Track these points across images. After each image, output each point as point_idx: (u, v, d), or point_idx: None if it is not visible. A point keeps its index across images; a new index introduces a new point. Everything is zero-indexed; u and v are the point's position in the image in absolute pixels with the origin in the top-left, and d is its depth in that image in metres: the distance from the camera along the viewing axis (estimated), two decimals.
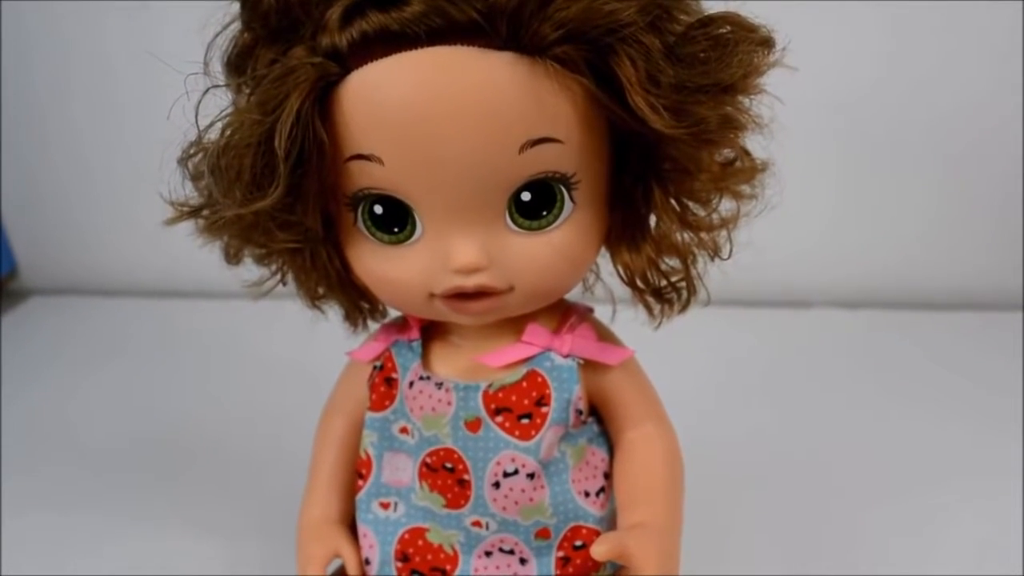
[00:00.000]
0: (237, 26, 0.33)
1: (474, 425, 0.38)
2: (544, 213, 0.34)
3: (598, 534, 0.40)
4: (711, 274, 0.38)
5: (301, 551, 0.43)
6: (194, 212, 0.36)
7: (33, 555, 0.59)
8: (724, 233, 0.37)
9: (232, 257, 0.39)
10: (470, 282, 0.34)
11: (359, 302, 0.42)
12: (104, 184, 1.02)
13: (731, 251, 0.37)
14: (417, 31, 0.29)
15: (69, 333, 0.97)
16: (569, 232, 0.34)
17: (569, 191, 0.34)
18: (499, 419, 0.38)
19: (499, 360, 0.38)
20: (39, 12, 0.93)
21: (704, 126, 0.31)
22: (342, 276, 0.38)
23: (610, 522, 0.41)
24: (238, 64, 0.33)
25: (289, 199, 0.32)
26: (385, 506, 0.42)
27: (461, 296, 0.34)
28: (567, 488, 0.39)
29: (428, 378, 0.39)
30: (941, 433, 0.69)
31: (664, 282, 0.38)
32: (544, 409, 0.38)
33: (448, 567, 0.41)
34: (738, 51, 0.31)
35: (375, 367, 0.41)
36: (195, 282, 0.98)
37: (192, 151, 0.34)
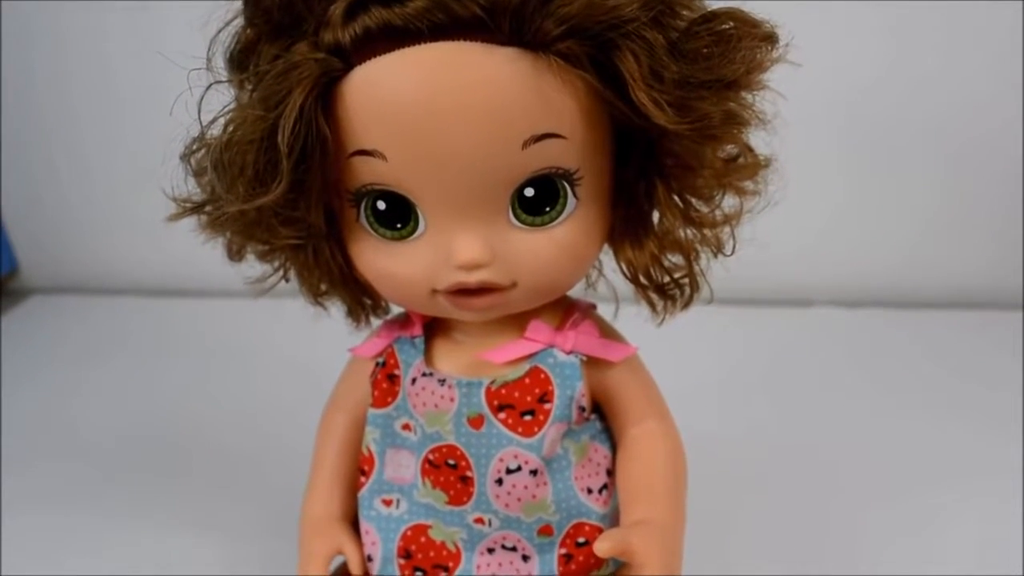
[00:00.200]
0: (240, 22, 0.33)
1: (477, 422, 0.38)
2: (547, 209, 0.34)
3: (601, 531, 0.40)
4: (713, 272, 0.38)
5: (303, 548, 0.42)
6: (197, 208, 0.36)
7: (33, 553, 0.59)
8: (727, 229, 0.37)
9: (234, 254, 0.39)
10: (473, 278, 0.34)
11: (361, 298, 0.42)
12: (105, 184, 1.02)
13: (734, 247, 0.37)
14: (420, 27, 0.29)
15: (70, 332, 0.97)
16: (572, 228, 0.34)
17: (572, 187, 0.33)
18: (502, 416, 0.38)
19: (502, 356, 0.38)
20: (40, 10, 0.93)
21: (707, 122, 0.31)
22: (345, 272, 0.38)
23: (613, 519, 0.41)
24: (241, 60, 0.33)
25: (292, 195, 0.32)
26: (387, 503, 0.42)
27: (464, 292, 0.34)
28: (570, 485, 0.39)
29: (431, 374, 0.39)
30: (941, 432, 0.69)
31: (667, 278, 0.38)
32: (547, 406, 0.38)
33: (450, 564, 0.41)
34: (741, 47, 0.31)
35: (377, 363, 0.41)
36: (195, 281, 0.98)
37: (195, 147, 0.34)
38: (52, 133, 1.00)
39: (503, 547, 0.40)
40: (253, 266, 0.40)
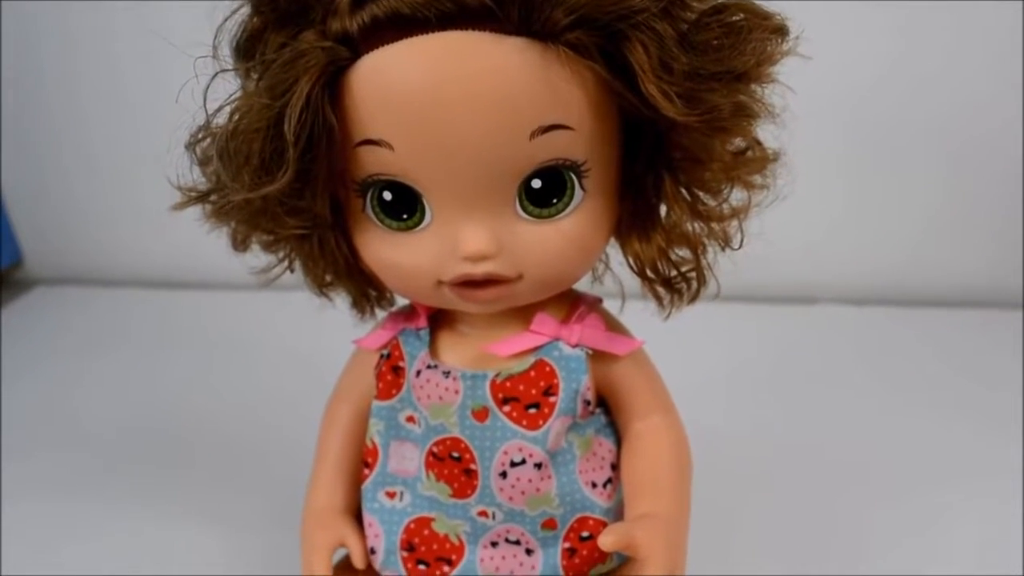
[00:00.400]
0: (246, 10, 0.33)
1: (481, 414, 0.38)
2: (554, 201, 0.33)
3: (605, 525, 0.40)
4: (719, 268, 0.38)
5: (306, 540, 0.42)
6: (202, 197, 0.36)
7: (35, 544, 0.59)
8: (735, 223, 0.37)
9: (239, 244, 0.39)
10: (479, 269, 0.33)
11: (367, 290, 0.41)
12: (109, 175, 1.02)
13: (742, 241, 0.37)
14: (428, 15, 0.29)
15: (73, 323, 0.97)
16: (579, 220, 0.34)
17: (580, 179, 0.33)
18: (507, 408, 0.38)
19: (507, 349, 0.38)
20: (44, 4, 0.93)
21: (716, 114, 0.31)
22: (350, 263, 0.38)
23: (617, 513, 0.41)
24: (247, 48, 0.33)
25: (298, 184, 0.31)
26: (391, 495, 0.42)
27: (470, 284, 0.34)
28: (574, 479, 0.39)
29: (435, 367, 0.39)
30: (944, 430, 0.69)
31: (674, 272, 0.37)
32: (552, 399, 0.38)
33: (454, 557, 0.40)
34: (751, 39, 0.31)
35: (382, 355, 0.41)
36: (199, 273, 0.98)
37: (200, 136, 0.34)
38: (56, 124, 1.00)
39: (507, 540, 0.40)
40: (258, 256, 0.40)
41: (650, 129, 0.33)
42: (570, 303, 0.40)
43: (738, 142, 0.35)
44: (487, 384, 0.38)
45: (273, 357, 0.82)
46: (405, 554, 0.41)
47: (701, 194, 0.36)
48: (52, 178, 1.03)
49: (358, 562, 0.42)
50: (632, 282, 0.39)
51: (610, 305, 0.42)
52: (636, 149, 0.35)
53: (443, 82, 0.30)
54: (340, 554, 0.43)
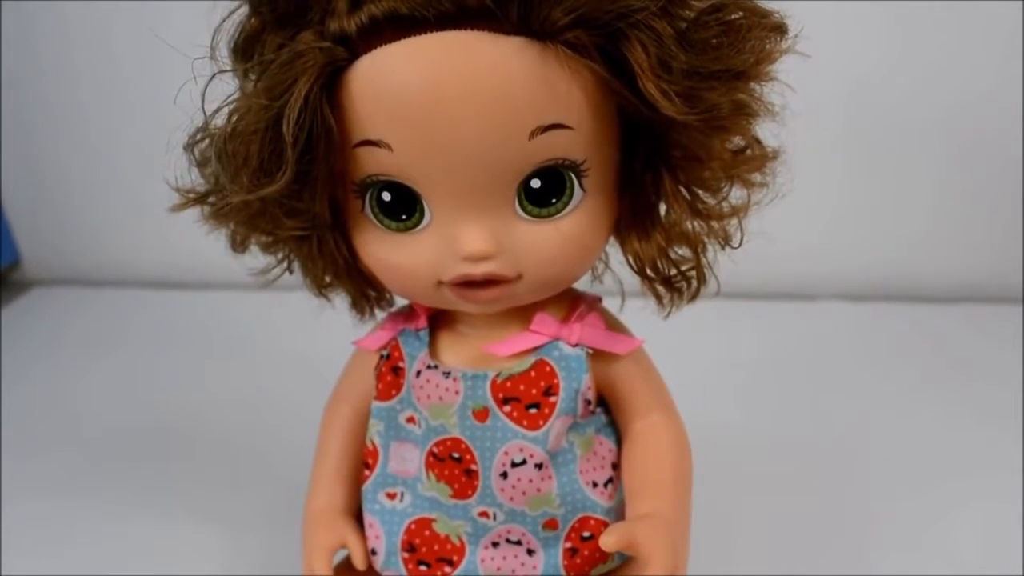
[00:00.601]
0: (244, 11, 0.33)
1: (482, 415, 0.38)
2: (553, 200, 0.33)
3: (606, 525, 0.40)
4: (719, 265, 0.38)
5: (306, 541, 0.42)
6: (200, 198, 0.36)
7: (35, 543, 0.59)
8: (734, 222, 0.37)
9: (238, 245, 0.39)
10: (478, 270, 0.33)
11: (366, 290, 0.41)
12: (107, 176, 1.02)
13: (741, 240, 0.37)
14: (426, 15, 0.29)
15: (71, 324, 0.97)
16: (579, 219, 0.34)
17: (579, 178, 0.33)
18: (507, 408, 0.38)
19: (507, 349, 0.38)
20: (43, 5, 0.92)
21: (716, 113, 0.31)
22: (349, 264, 0.38)
23: (618, 513, 0.41)
24: (245, 49, 0.33)
25: (296, 185, 0.31)
26: (391, 496, 0.42)
27: (469, 284, 0.34)
28: (575, 478, 0.39)
29: (435, 367, 0.39)
30: (945, 426, 0.69)
31: (674, 271, 0.37)
32: (552, 399, 0.38)
33: (455, 558, 0.40)
34: (750, 37, 0.31)
35: (382, 356, 0.41)
36: (198, 273, 0.98)
37: (198, 137, 0.34)
38: (55, 125, 1.00)
39: (508, 541, 0.40)
40: (257, 257, 0.40)
41: (649, 128, 0.33)
42: (570, 302, 0.40)
43: (737, 140, 0.34)
44: (487, 384, 0.38)
45: (272, 358, 0.82)
46: (406, 555, 0.41)
47: (701, 192, 0.36)
48: (50, 179, 1.03)
49: (359, 563, 0.42)
50: (632, 281, 0.39)
51: (610, 304, 0.42)
52: (635, 148, 0.35)
53: (442, 82, 0.30)
54: (341, 555, 0.43)
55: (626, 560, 0.41)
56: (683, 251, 0.37)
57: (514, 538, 0.40)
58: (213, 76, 0.33)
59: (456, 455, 0.39)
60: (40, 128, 1.00)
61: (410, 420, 0.40)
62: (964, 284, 0.94)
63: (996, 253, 0.93)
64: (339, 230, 0.37)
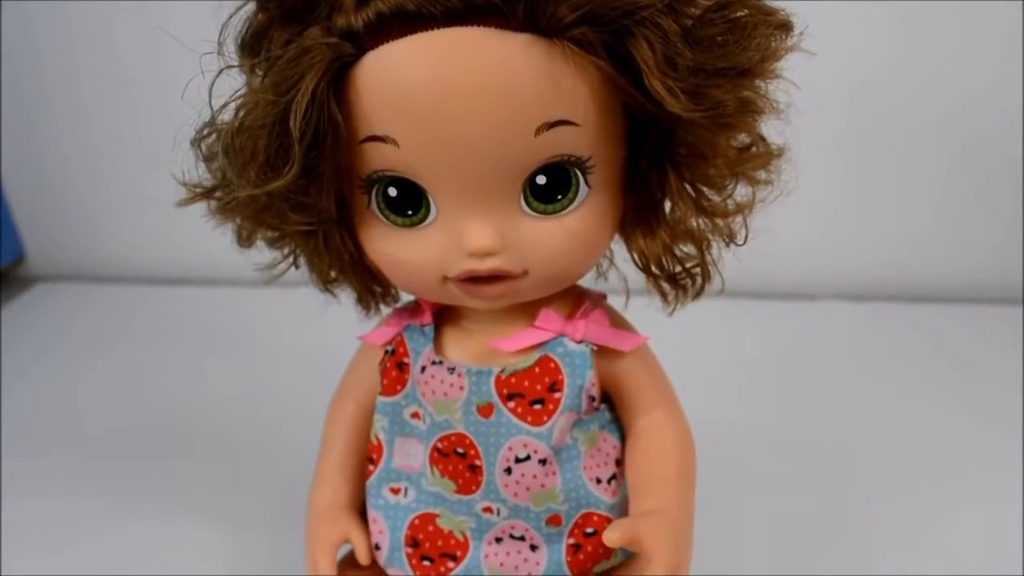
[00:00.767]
0: (252, 7, 0.33)
1: (486, 410, 0.38)
2: (559, 197, 0.33)
3: (609, 521, 0.40)
4: (724, 265, 0.38)
5: (311, 536, 0.42)
6: (207, 193, 0.36)
7: (36, 540, 0.59)
8: (739, 219, 0.37)
9: (244, 240, 0.39)
10: (484, 265, 0.34)
11: (372, 286, 0.41)
12: (111, 172, 1.02)
13: (746, 237, 0.37)
14: (433, 11, 0.29)
15: (75, 320, 0.97)
16: (584, 216, 0.34)
17: (584, 175, 0.33)
18: (511, 404, 0.38)
19: (512, 345, 0.38)
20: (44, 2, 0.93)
21: (721, 110, 0.31)
22: (355, 259, 0.38)
23: (621, 509, 0.41)
24: (252, 45, 0.33)
25: (303, 181, 0.32)
26: (395, 491, 0.42)
27: (475, 280, 0.34)
28: (579, 475, 0.39)
29: (440, 363, 0.39)
30: (945, 426, 0.69)
31: (679, 268, 0.37)
32: (557, 395, 0.38)
33: (458, 553, 0.40)
34: (756, 34, 0.31)
35: (387, 351, 0.41)
36: (201, 269, 0.98)
37: (205, 132, 0.34)
38: (58, 120, 1.00)
39: (511, 536, 0.40)
40: (263, 253, 0.40)
41: (655, 125, 0.33)
42: (575, 299, 0.40)
43: (742, 138, 0.35)
44: (492, 380, 0.38)
45: (277, 353, 0.82)
46: (409, 550, 0.41)
47: (705, 190, 0.36)
48: (53, 175, 1.03)
49: (363, 558, 0.42)
50: (637, 278, 0.39)
51: (614, 301, 0.42)
52: (640, 145, 0.35)
53: (448, 78, 0.30)
54: (344, 550, 0.43)
55: (629, 556, 0.41)
56: (688, 248, 0.37)
57: (517, 534, 0.40)
58: (220, 71, 0.33)
59: (460, 451, 0.39)
60: (43, 124, 1.00)
61: (415, 416, 0.40)
62: (965, 284, 0.94)
63: (997, 253, 0.93)
64: (345, 225, 0.37)
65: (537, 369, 0.38)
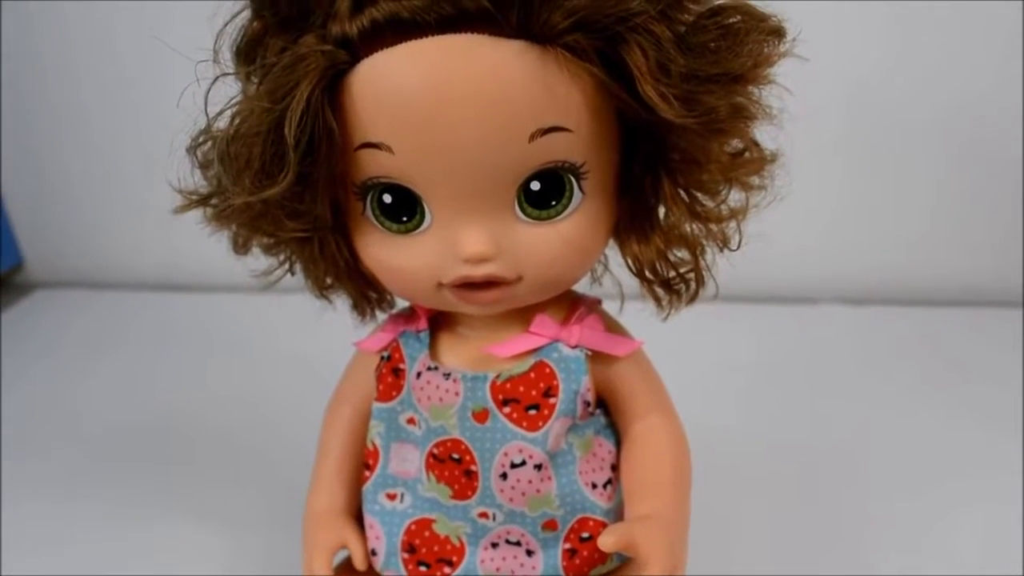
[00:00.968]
0: (247, 14, 0.33)
1: (481, 416, 0.38)
2: (553, 203, 0.34)
3: (605, 526, 0.40)
4: (720, 269, 0.38)
5: (307, 542, 0.43)
6: (203, 200, 0.36)
7: (36, 544, 0.59)
8: (733, 224, 0.37)
9: (240, 247, 0.39)
10: (479, 271, 0.34)
11: (367, 292, 0.41)
12: (109, 178, 1.02)
13: (740, 242, 0.37)
14: (427, 19, 0.29)
15: (73, 326, 0.97)
16: (578, 222, 0.34)
17: (578, 181, 0.33)
18: (506, 410, 0.38)
19: (507, 350, 0.38)
20: (45, 5, 0.93)
21: (714, 116, 0.31)
22: (350, 265, 0.38)
23: (617, 514, 0.41)
24: (248, 52, 0.33)
25: (298, 187, 0.32)
26: (392, 497, 0.42)
27: (470, 286, 0.34)
28: (574, 480, 0.39)
29: (436, 368, 0.39)
30: (945, 429, 0.69)
31: (672, 273, 0.37)
32: (552, 400, 0.38)
33: (454, 558, 0.41)
34: (748, 40, 0.31)
35: (382, 357, 0.41)
36: (199, 275, 0.99)
37: (201, 139, 0.34)
38: (57, 127, 1.00)
39: (507, 542, 0.40)
40: (259, 259, 0.40)
41: (648, 131, 0.33)
42: (569, 304, 0.40)
43: (736, 143, 0.35)
44: (487, 385, 0.38)
45: (274, 359, 0.82)
46: (406, 555, 0.41)
47: (699, 195, 0.36)
48: (52, 182, 1.04)
49: (359, 563, 0.42)
50: (631, 283, 0.39)
51: (609, 306, 0.42)
52: (634, 151, 0.35)
53: (442, 85, 0.30)
54: (341, 556, 0.43)
55: (625, 561, 0.41)
56: (682, 253, 0.37)
57: (513, 539, 0.40)
58: (216, 79, 0.33)
59: (456, 456, 0.39)
60: (42, 130, 1.01)
61: (410, 421, 0.40)
62: (964, 287, 0.94)
63: (996, 256, 0.93)
64: (340, 232, 0.37)
65: (532, 374, 0.38)
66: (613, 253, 0.39)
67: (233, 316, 0.92)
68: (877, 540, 0.57)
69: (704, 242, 0.37)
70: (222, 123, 0.33)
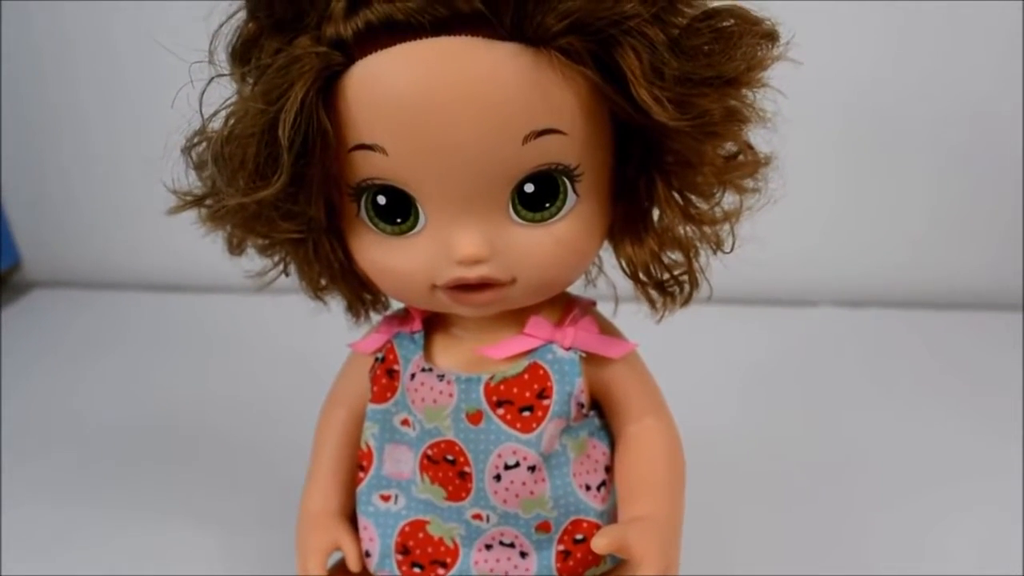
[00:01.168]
0: (242, 16, 0.33)
1: (475, 417, 0.38)
2: (547, 205, 0.34)
3: (599, 527, 0.40)
4: (718, 272, 0.38)
5: (301, 544, 0.43)
6: (197, 201, 0.36)
7: (33, 544, 0.59)
8: (727, 227, 0.37)
9: (235, 248, 0.39)
10: (472, 273, 0.34)
11: (361, 293, 0.41)
12: (107, 178, 1.02)
13: (734, 245, 0.37)
14: (422, 21, 0.29)
15: (71, 326, 0.97)
16: (572, 224, 0.34)
17: (572, 183, 0.33)
18: (500, 411, 0.38)
19: (501, 352, 0.38)
20: (43, 4, 0.93)
21: (707, 119, 0.31)
22: (345, 267, 0.38)
23: (611, 516, 0.41)
24: (242, 53, 0.33)
25: (292, 189, 0.32)
26: (386, 498, 0.42)
27: (464, 287, 0.34)
28: (568, 481, 0.39)
29: (430, 370, 0.39)
30: (944, 432, 0.70)
31: (667, 275, 0.37)
32: (546, 402, 0.38)
33: (448, 560, 0.41)
34: (742, 44, 0.31)
35: (377, 359, 0.41)
36: (197, 276, 0.99)
37: (196, 140, 0.34)
38: (55, 127, 1.00)
39: (501, 543, 0.40)
40: (253, 260, 0.40)
41: (642, 133, 0.33)
42: (564, 306, 0.40)
43: (729, 146, 0.35)
44: (481, 387, 0.38)
45: (269, 360, 0.82)
46: (400, 557, 0.41)
47: (693, 198, 0.36)
48: (50, 181, 1.04)
49: (353, 565, 0.42)
50: (625, 285, 0.39)
51: (603, 308, 0.42)
52: (628, 153, 0.35)
53: (436, 87, 0.30)
54: (335, 557, 0.43)
55: (618, 563, 0.41)
56: (675, 256, 0.37)
57: (507, 540, 0.40)
58: (211, 80, 0.33)
59: (450, 457, 0.39)
60: (40, 130, 1.01)
61: (404, 423, 0.40)
62: (963, 290, 0.94)
63: (995, 259, 0.93)
64: (334, 233, 0.37)
65: (526, 376, 0.38)
66: (607, 255, 0.39)
67: (230, 317, 0.92)
68: (875, 542, 0.57)
69: (698, 244, 0.37)
70: (217, 124, 0.33)
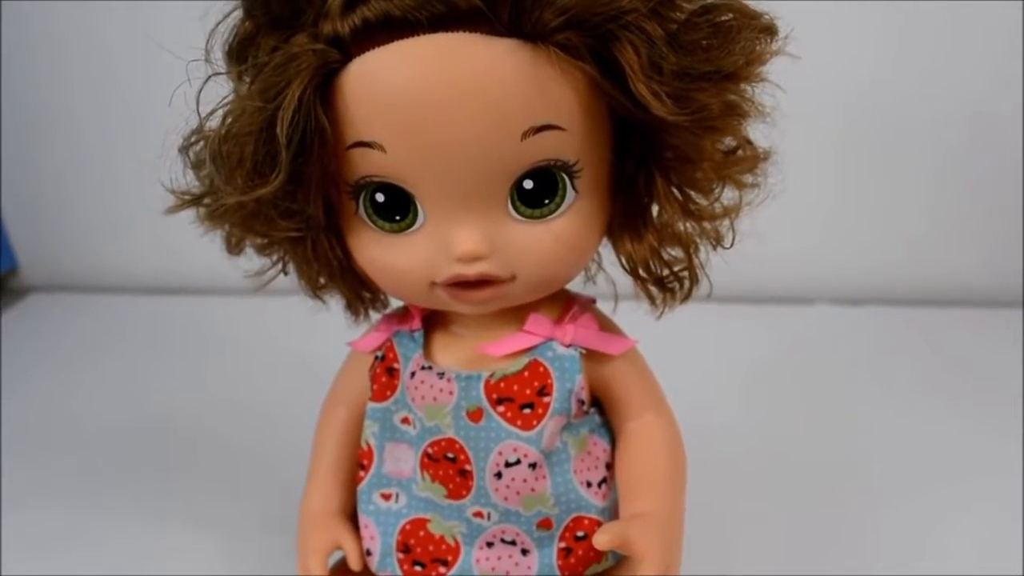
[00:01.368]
0: (239, 14, 0.33)
1: (476, 415, 0.38)
2: (546, 201, 0.34)
3: (600, 524, 0.40)
4: (717, 270, 0.38)
5: (302, 543, 0.42)
6: (195, 200, 0.36)
7: (33, 548, 0.59)
8: (726, 222, 0.37)
9: (233, 247, 0.39)
10: (472, 270, 0.34)
11: (361, 292, 0.41)
12: (104, 182, 1.02)
13: (733, 240, 0.37)
14: (419, 17, 0.29)
15: (69, 330, 0.97)
16: (571, 220, 0.34)
17: (571, 179, 0.33)
18: (501, 409, 0.38)
19: (501, 349, 0.38)
20: (40, 6, 0.93)
21: (706, 113, 0.31)
22: (343, 265, 0.38)
23: (612, 513, 0.41)
24: (239, 52, 0.33)
25: (290, 187, 0.32)
26: (386, 497, 0.42)
27: (463, 285, 0.34)
28: (569, 478, 0.39)
29: (430, 368, 0.39)
30: (943, 429, 0.69)
31: (666, 271, 0.37)
32: (546, 399, 0.38)
33: (450, 558, 0.40)
34: (740, 38, 0.31)
35: (376, 357, 0.41)
36: (194, 279, 0.98)
37: (193, 139, 0.34)
38: (52, 131, 1.00)
39: (502, 541, 0.40)
40: (252, 260, 0.40)
41: (641, 129, 0.33)
42: (563, 303, 0.40)
43: (728, 141, 0.35)
44: (481, 385, 0.38)
45: (268, 361, 0.82)
46: (401, 555, 0.41)
47: (692, 193, 0.36)
48: (47, 185, 1.03)
49: (354, 564, 0.42)
50: (625, 282, 0.39)
51: (603, 305, 0.42)
52: (627, 149, 0.35)
53: (434, 84, 0.30)
54: (336, 556, 0.43)
55: (620, 560, 0.41)
56: (675, 252, 0.37)
57: (508, 538, 0.40)
58: (208, 79, 0.33)
59: (450, 455, 0.39)
60: (37, 134, 1.00)
61: (405, 421, 0.40)
62: (962, 287, 0.94)
63: (994, 256, 0.93)
64: (333, 231, 0.37)
65: (526, 373, 0.38)
66: (607, 251, 0.39)
67: (228, 319, 0.92)
68: (874, 541, 0.57)
69: (697, 240, 0.37)
70: (214, 123, 0.33)
